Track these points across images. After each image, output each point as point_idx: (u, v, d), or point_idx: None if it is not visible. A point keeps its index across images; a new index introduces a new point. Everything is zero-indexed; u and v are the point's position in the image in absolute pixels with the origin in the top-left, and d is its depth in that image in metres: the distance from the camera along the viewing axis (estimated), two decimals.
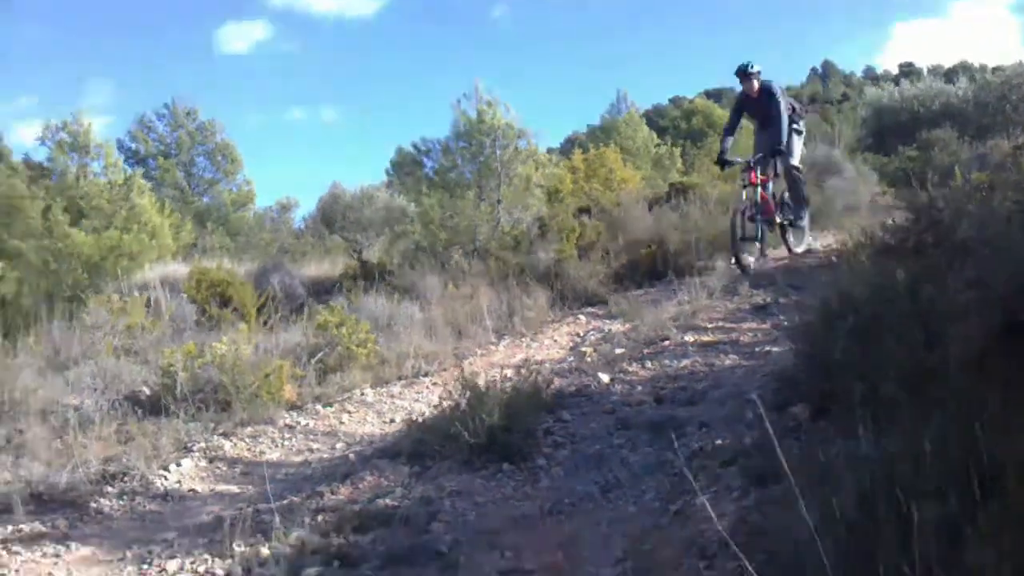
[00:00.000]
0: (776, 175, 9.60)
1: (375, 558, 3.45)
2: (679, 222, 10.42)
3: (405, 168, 22.66)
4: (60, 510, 4.26)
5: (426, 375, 6.60)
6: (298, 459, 5.05)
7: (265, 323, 8.93)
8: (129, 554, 3.77)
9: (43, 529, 4.04)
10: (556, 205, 13.42)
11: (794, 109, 9.69)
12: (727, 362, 5.77)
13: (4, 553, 3.76)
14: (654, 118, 35.77)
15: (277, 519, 3.66)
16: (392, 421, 5.65)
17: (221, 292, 10.27)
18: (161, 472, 4.75)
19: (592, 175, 15.99)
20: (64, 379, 6.77)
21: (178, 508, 4.32)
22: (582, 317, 7.94)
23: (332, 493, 4.20)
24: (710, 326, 6.76)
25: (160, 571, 3.50)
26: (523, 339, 7.50)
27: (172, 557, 3.63)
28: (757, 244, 9.13)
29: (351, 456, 4.89)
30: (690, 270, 8.71)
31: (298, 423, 5.66)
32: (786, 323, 6.39)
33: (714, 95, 43.54)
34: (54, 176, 17.53)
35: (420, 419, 5.01)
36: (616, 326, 7.35)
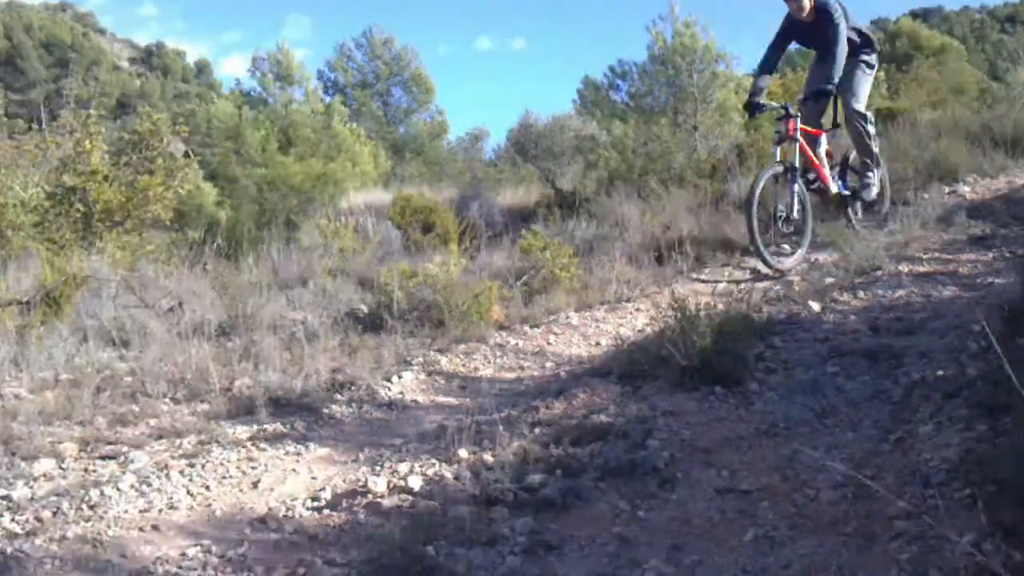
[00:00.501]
0: (836, 125, 7.72)
1: (593, 470, 3.57)
2: (887, 149, 9.97)
3: (593, 96, 22.51)
4: (297, 413, 4.62)
5: (628, 300, 6.66)
6: (510, 376, 5.24)
7: (466, 249, 9.20)
8: (362, 456, 4.05)
9: (283, 430, 4.39)
10: (754, 131, 13.08)
11: (863, 35, 7.52)
12: (945, 293, 5.56)
13: (254, 448, 4.12)
14: None
15: (500, 428, 3.84)
16: (598, 344, 5.77)
17: (424, 218, 10.66)
18: (384, 383, 5.05)
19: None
20: (286, 297, 7.24)
21: (403, 416, 4.59)
22: (786, 246, 7.79)
23: (547, 408, 4.35)
24: (925, 256, 6.51)
25: (392, 472, 3.73)
26: (725, 268, 7.44)
27: (402, 460, 3.88)
28: (791, 224, 7.05)
29: (562, 374, 5.04)
30: (900, 199, 8.35)
31: (508, 342, 5.86)
32: (1009, 254, 6.11)
33: (921, 15, 40.99)
34: (258, 106, 18.49)
35: (628, 341, 5.10)
36: (823, 256, 7.18)
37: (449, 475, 3.62)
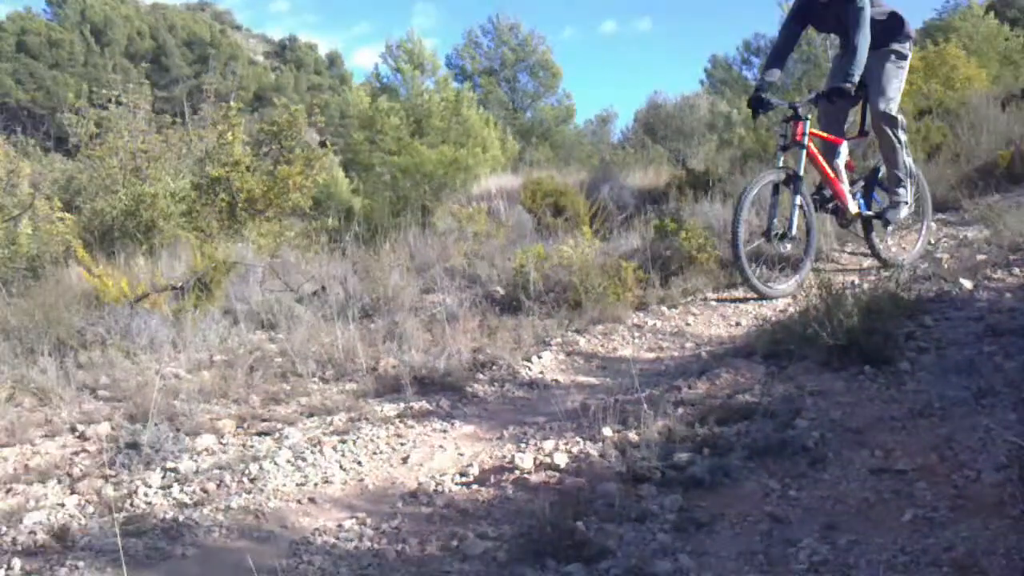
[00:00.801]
0: (863, 133, 6.60)
1: (741, 449, 3.53)
2: None
3: (723, 74, 22.16)
4: (441, 392, 4.72)
5: (768, 281, 6.54)
6: (650, 356, 5.22)
7: (598, 230, 9.19)
8: (506, 433, 4.11)
9: (429, 407, 4.50)
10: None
11: (895, 19, 6.25)
12: None
13: (401, 425, 4.24)
14: (1001, 8, 32.26)
15: (645, 407, 3.84)
16: (738, 324, 5.68)
17: (555, 201, 10.69)
18: (524, 363, 5.11)
19: (931, 74, 14.80)
20: (422, 281, 7.38)
21: (544, 395, 4.63)
22: (932, 224, 7.50)
23: (689, 388, 4.32)
24: None
25: (537, 449, 3.78)
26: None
27: (546, 438, 3.91)
28: (789, 243, 6.12)
29: (703, 354, 4.99)
30: None
31: (645, 323, 5.83)
32: None
33: None
34: (390, 95, 18.86)
35: (771, 321, 5.02)
36: (972, 232, 6.91)
37: (594, 453, 3.64)
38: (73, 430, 4.43)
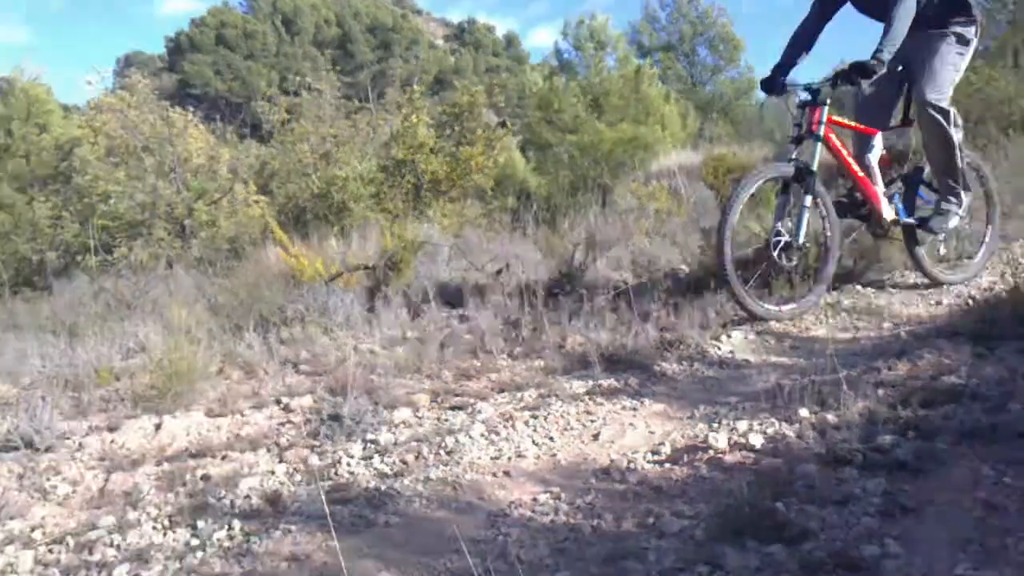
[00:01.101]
0: (907, 122, 5.70)
1: (947, 433, 3.36)
2: None
3: None
4: (628, 370, 4.71)
5: (969, 257, 6.21)
6: (845, 336, 5.04)
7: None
8: (697, 413, 4.06)
9: (617, 385, 4.50)
10: None
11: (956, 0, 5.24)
12: None
13: (591, 402, 4.26)
14: None
15: (844, 387, 3.71)
16: (939, 303, 5.42)
17: (737, 178, 10.45)
18: (713, 342, 5.04)
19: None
20: (604, 259, 7.39)
21: (734, 375, 4.56)
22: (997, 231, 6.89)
23: (889, 369, 4.15)
24: None
25: (731, 429, 3.71)
26: None
27: (739, 418, 3.84)
28: (796, 254, 5.34)
29: (902, 334, 4.78)
30: None
31: (839, 301, 5.64)
32: None
33: None
34: (567, 73, 18.89)
35: (976, 300, 4.77)
36: None
37: (791, 434, 3.56)
38: (278, 402, 4.68)
